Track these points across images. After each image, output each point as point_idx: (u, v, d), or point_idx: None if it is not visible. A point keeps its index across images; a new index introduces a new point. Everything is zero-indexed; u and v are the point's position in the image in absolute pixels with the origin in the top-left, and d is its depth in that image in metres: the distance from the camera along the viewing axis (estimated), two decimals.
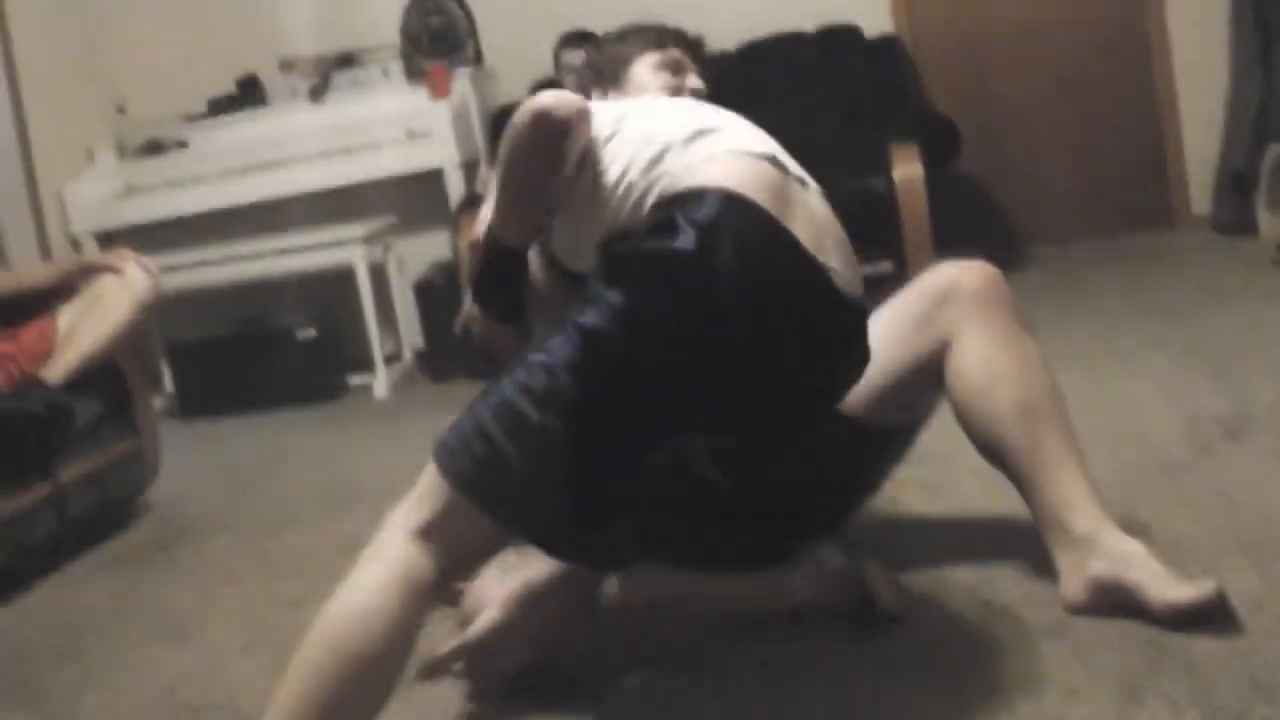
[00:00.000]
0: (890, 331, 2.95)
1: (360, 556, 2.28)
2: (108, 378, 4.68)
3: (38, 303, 4.62)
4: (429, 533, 2.26)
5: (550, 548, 2.41)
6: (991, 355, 2.84)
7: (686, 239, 2.30)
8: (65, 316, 4.63)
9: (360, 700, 2.19)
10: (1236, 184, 6.79)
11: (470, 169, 6.86)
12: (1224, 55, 7.00)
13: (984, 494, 3.36)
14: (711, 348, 2.33)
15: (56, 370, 4.44)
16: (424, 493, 2.30)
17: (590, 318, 2.30)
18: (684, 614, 2.82)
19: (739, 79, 6.87)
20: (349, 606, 2.22)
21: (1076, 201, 7.40)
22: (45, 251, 6.91)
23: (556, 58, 6.62)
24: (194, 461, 5.64)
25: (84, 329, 4.56)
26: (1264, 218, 6.46)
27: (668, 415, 2.37)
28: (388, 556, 2.25)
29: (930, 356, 2.92)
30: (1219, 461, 3.47)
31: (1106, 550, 2.61)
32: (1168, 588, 2.49)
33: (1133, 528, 2.77)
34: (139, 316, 4.68)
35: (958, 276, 2.95)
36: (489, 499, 2.26)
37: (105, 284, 4.71)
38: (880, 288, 5.86)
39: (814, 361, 2.48)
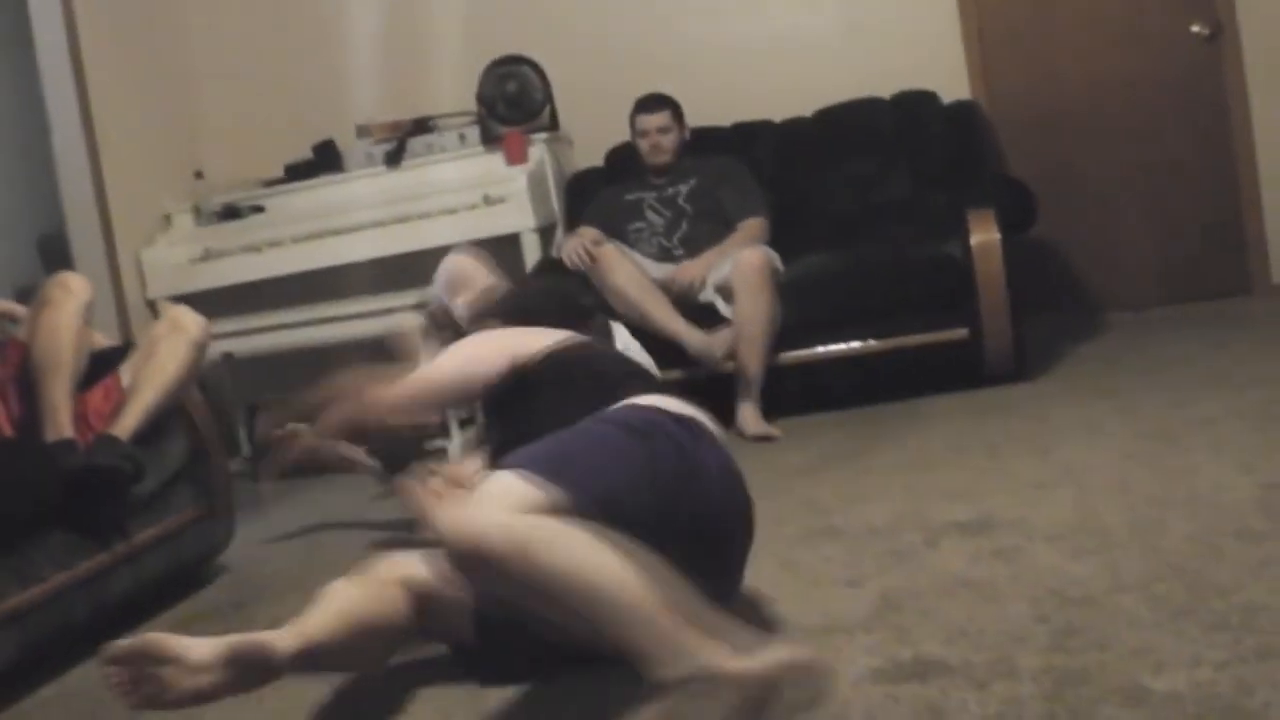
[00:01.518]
0: None
1: None
2: (183, 440, 4.72)
3: (102, 364, 4.67)
4: None
5: None
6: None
7: None
8: (127, 372, 4.68)
9: None
10: None
11: (546, 234, 6.88)
12: None
13: None
14: None
15: (125, 425, 4.46)
16: None
17: None
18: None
19: (815, 145, 6.91)
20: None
21: (1153, 268, 7.35)
22: (123, 315, 6.98)
23: (632, 123, 6.67)
24: (269, 522, 5.67)
25: (143, 380, 4.59)
26: None
27: None
28: None
29: None
30: None
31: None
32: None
33: None
34: (194, 356, 4.72)
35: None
36: None
37: (158, 331, 4.76)
38: (954, 355, 5.91)
39: None
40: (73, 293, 4.61)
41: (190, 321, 4.76)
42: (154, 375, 4.61)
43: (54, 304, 4.57)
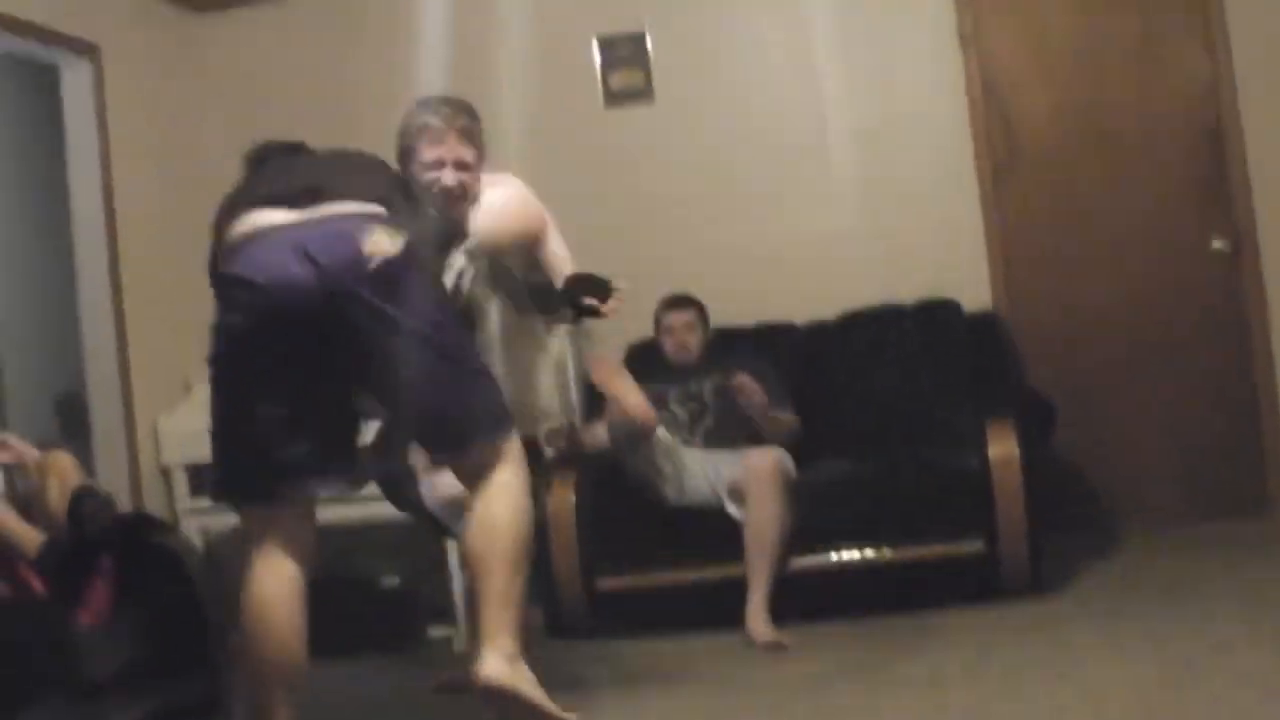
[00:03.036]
0: None
1: None
2: (187, 613, 4.68)
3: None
4: None
5: None
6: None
7: None
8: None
9: None
10: None
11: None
12: None
13: None
14: None
15: None
16: None
17: None
18: None
19: (838, 350, 6.91)
20: None
21: (1172, 482, 7.30)
22: (135, 481, 6.96)
23: (658, 320, 6.68)
24: None
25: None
26: None
27: None
28: None
29: None
30: None
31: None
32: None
33: None
34: None
35: None
36: None
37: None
38: (970, 567, 5.84)
39: None
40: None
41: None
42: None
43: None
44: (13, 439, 4.99)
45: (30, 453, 4.88)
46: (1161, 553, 6.67)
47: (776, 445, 6.17)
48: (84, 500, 4.75)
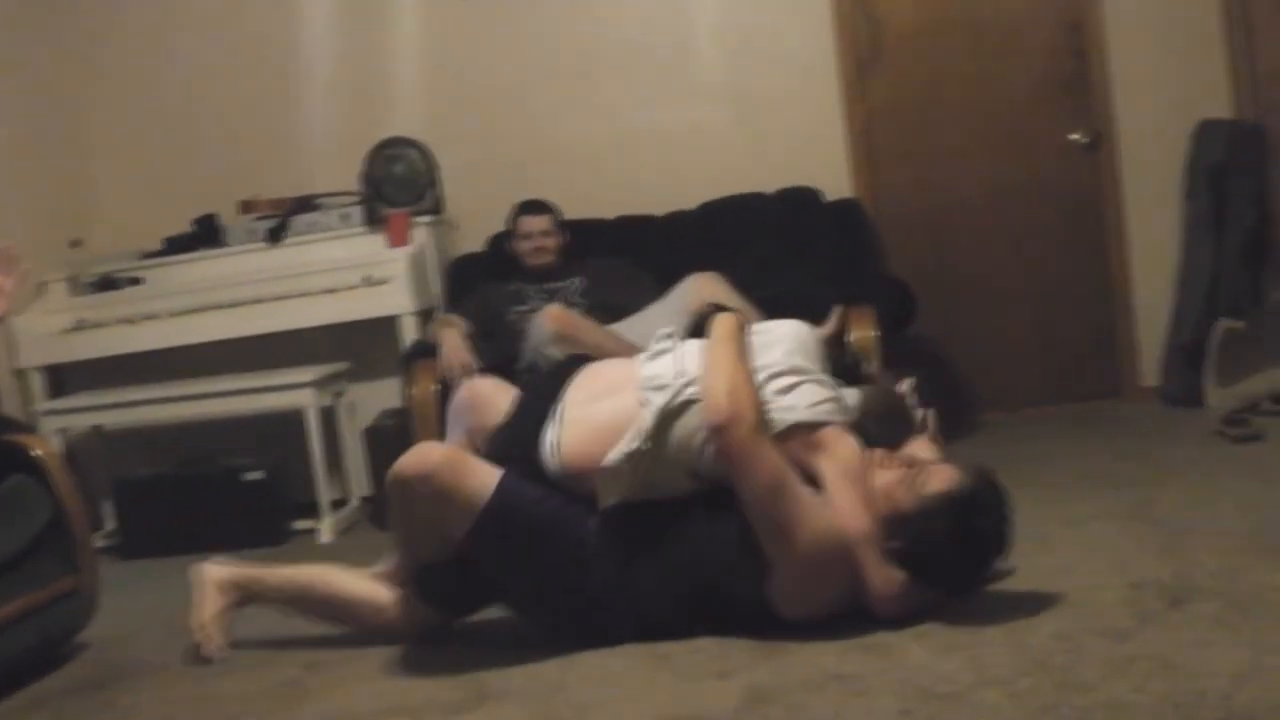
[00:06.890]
0: None
1: None
2: (45, 511, 4.63)
3: None
4: None
5: None
6: None
7: None
8: None
9: None
10: (1185, 357, 6.85)
11: (425, 317, 6.83)
12: (1177, 229, 7.12)
13: None
14: None
15: None
16: None
17: None
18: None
19: (698, 236, 6.89)
20: None
21: (1029, 369, 7.41)
22: None
23: (514, 225, 6.61)
24: (134, 601, 5.56)
25: None
26: (1212, 391, 6.53)
27: None
28: None
29: None
30: (1161, 628, 3.47)
31: None
32: None
33: None
34: None
35: None
36: None
37: None
38: None
39: None
40: None
41: None
42: None
43: None
44: None
45: None
46: (1018, 434, 6.79)
47: None
48: None
